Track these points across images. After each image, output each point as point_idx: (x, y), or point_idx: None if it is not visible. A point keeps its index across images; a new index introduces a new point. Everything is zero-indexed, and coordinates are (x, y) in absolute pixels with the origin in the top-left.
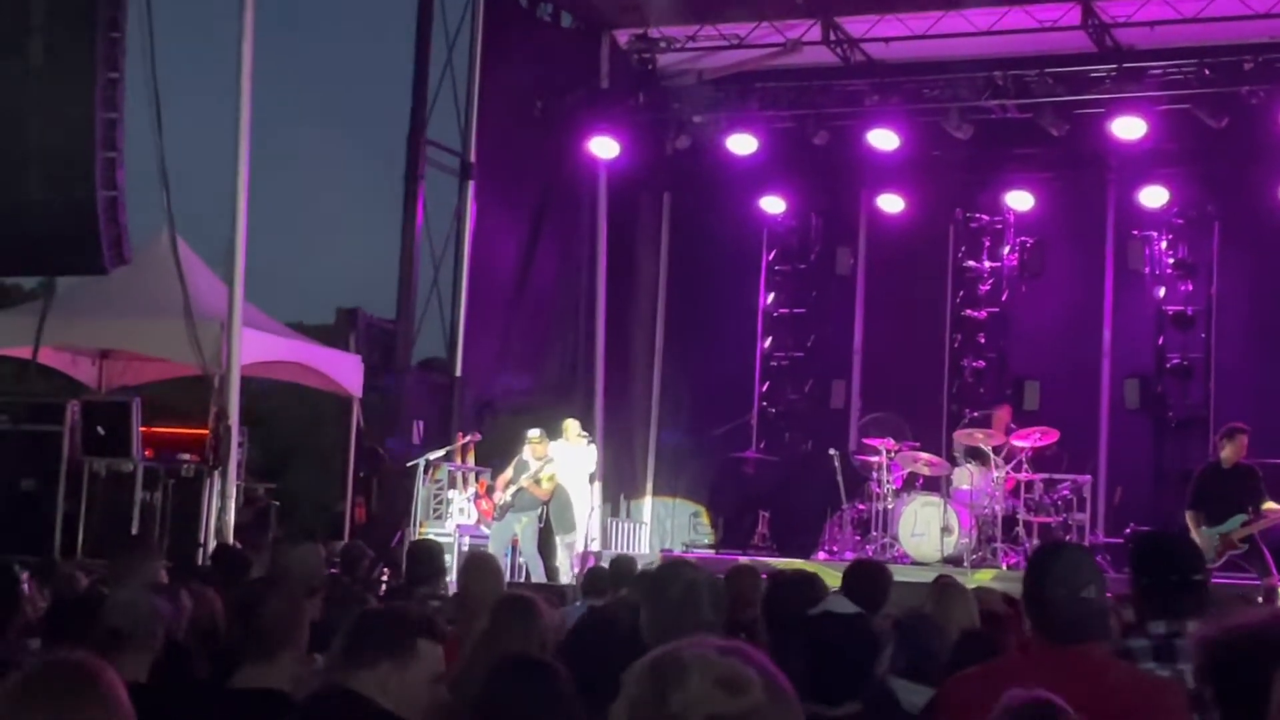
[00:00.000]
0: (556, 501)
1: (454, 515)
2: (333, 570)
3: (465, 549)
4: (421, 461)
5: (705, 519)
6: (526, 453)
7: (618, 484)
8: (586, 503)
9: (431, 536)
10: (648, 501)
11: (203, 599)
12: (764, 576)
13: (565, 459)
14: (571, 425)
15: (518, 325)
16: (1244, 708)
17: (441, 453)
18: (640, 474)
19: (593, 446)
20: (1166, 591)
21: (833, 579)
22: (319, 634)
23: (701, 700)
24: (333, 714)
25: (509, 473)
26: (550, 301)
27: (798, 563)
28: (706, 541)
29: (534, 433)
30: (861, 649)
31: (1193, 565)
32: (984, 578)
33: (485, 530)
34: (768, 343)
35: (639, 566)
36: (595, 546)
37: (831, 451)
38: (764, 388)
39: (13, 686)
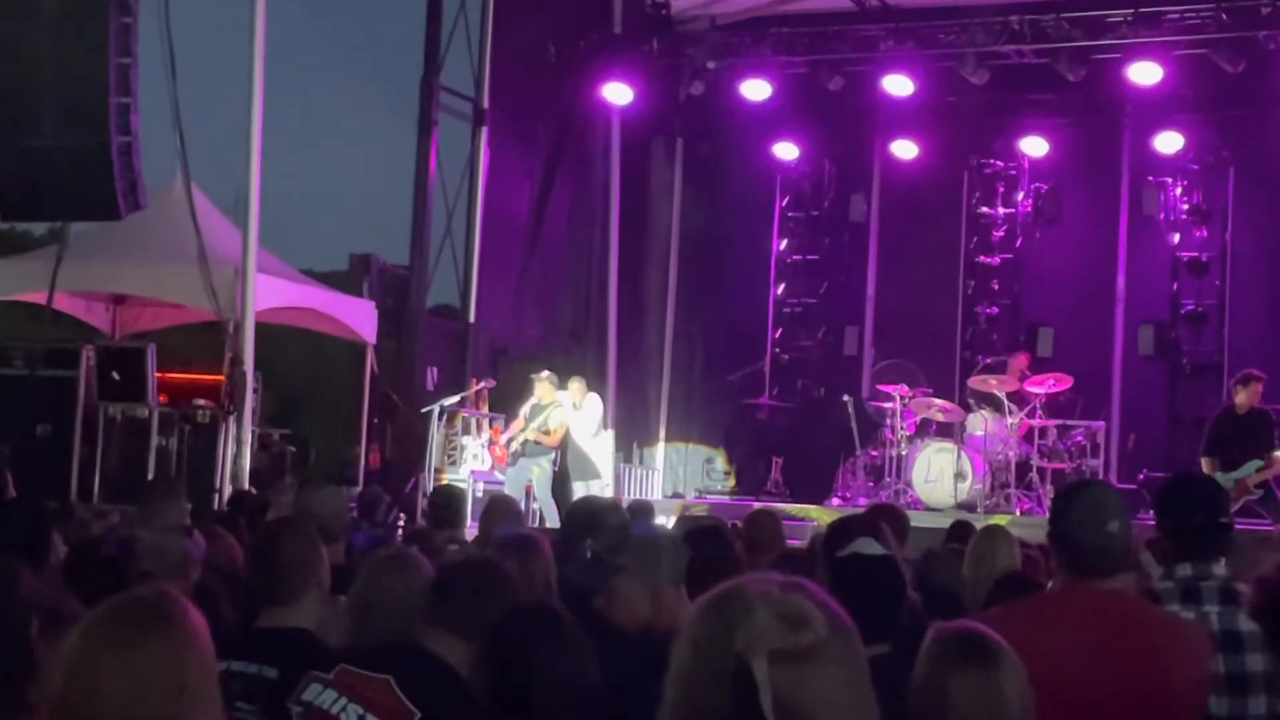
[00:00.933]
0: (573, 451)
1: (468, 461)
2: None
3: (480, 495)
4: (436, 408)
5: (722, 462)
6: (537, 395)
7: (630, 430)
8: (605, 450)
9: (449, 483)
10: (660, 448)
11: (224, 542)
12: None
13: (573, 415)
14: (576, 385)
15: (531, 272)
16: None
17: (455, 399)
18: (653, 420)
19: (596, 400)
20: (1192, 534)
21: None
22: (340, 578)
23: (765, 635)
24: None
25: (524, 413)
26: (563, 248)
27: (811, 509)
28: (719, 488)
29: (543, 374)
30: (889, 590)
31: (1219, 508)
32: (998, 524)
33: (500, 476)
34: (781, 289)
35: (654, 512)
36: (608, 493)
37: (845, 398)
38: (777, 334)
39: (90, 625)
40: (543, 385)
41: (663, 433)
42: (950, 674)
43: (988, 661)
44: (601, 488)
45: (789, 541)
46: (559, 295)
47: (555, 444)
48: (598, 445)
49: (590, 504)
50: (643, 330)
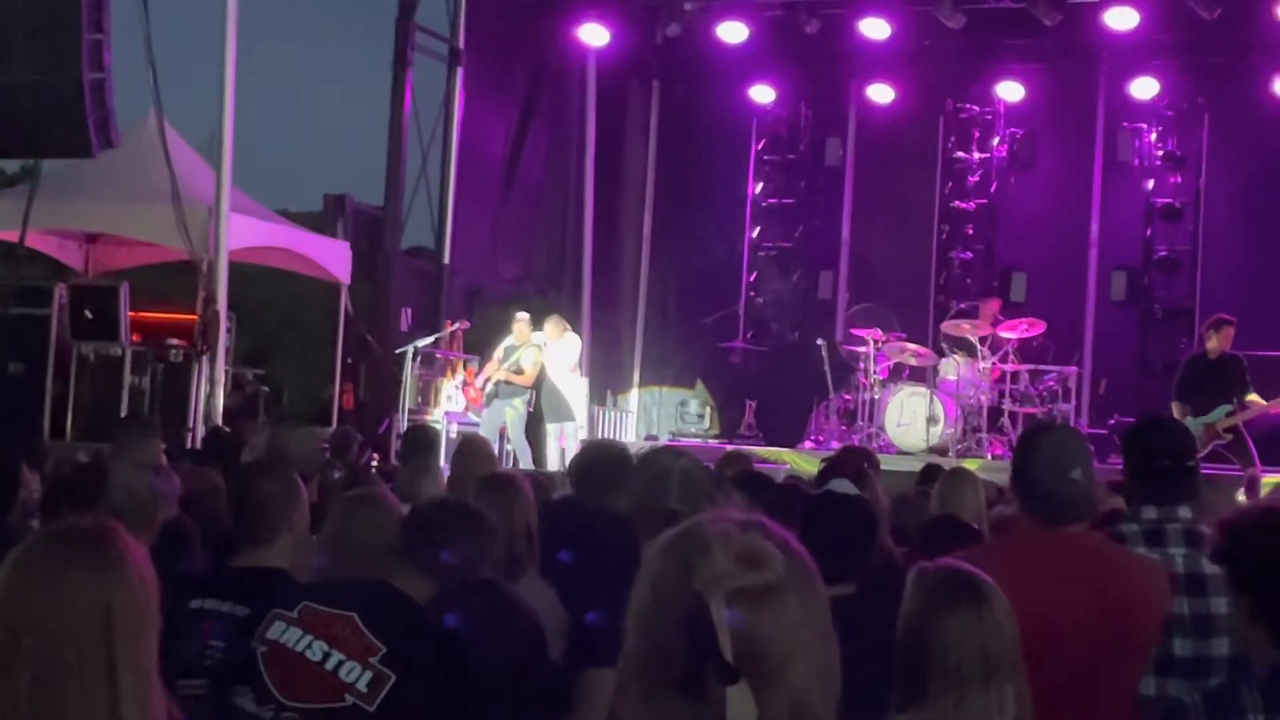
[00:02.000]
0: (547, 391)
1: (442, 402)
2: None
3: (454, 435)
4: (410, 349)
5: (697, 405)
6: (512, 336)
7: (604, 374)
8: (579, 392)
9: (424, 422)
10: (634, 392)
11: (204, 480)
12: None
13: (549, 353)
14: (554, 322)
15: (506, 213)
16: (1255, 584)
17: (430, 340)
18: (627, 364)
19: (574, 338)
20: (1158, 476)
21: (815, 468)
22: (313, 517)
23: (724, 575)
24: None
25: (498, 353)
26: (539, 189)
27: (785, 453)
28: (693, 430)
29: (520, 316)
30: (858, 530)
31: (1185, 451)
32: (970, 467)
33: (474, 418)
34: (756, 233)
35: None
36: (583, 435)
37: (819, 342)
38: (752, 277)
39: (23, 550)
40: (518, 326)
41: (636, 376)
42: (940, 613)
43: (978, 598)
44: (575, 430)
45: None
46: (534, 237)
47: (529, 384)
48: (572, 385)
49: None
50: (618, 273)
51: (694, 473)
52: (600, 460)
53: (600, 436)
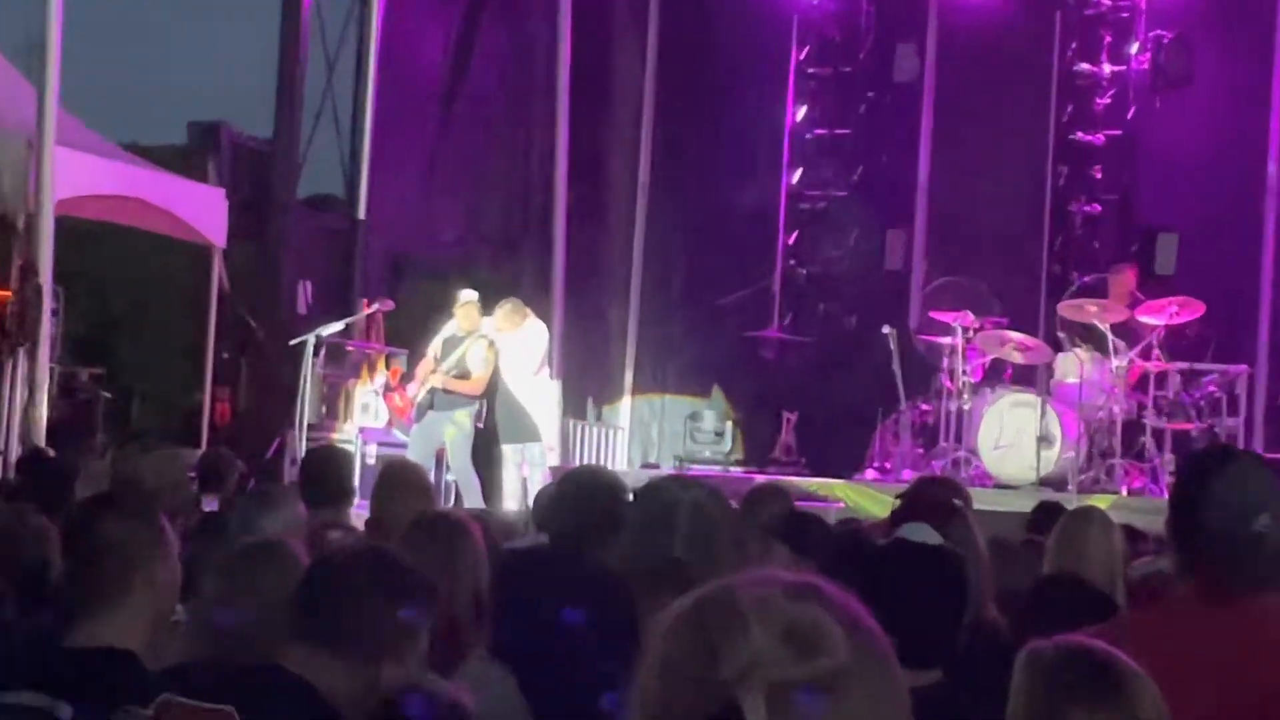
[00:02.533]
0: (504, 400)
1: (356, 414)
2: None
3: (373, 460)
4: (310, 339)
5: (720, 420)
6: (454, 324)
7: (584, 376)
8: (548, 402)
9: (331, 442)
10: (625, 402)
11: (12, 522)
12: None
13: (506, 347)
14: (507, 311)
15: (446, 151)
16: None
17: (339, 326)
18: (616, 363)
19: (539, 326)
20: None
21: (883, 508)
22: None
23: (764, 661)
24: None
25: (435, 349)
26: (492, 119)
27: (838, 486)
28: (708, 454)
29: (466, 295)
30: (947, 595)
31: None
32: (1100, 506)
33: (401, 436)
34: (796, 177)
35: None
36: (553, 461)
37: (886, 330)
38: (791, 240)
39: None
40: (463, 310)
41: (629, 379)
42: (1063, 710)
43: (1115, 690)
44: (542, 454)
45: None
46: (486, 185)
47: (477, 392)
48: (538, 392)
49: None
50: (603, 235)
51: (712, 511)
52: (580, 495)
53: (579, 463)
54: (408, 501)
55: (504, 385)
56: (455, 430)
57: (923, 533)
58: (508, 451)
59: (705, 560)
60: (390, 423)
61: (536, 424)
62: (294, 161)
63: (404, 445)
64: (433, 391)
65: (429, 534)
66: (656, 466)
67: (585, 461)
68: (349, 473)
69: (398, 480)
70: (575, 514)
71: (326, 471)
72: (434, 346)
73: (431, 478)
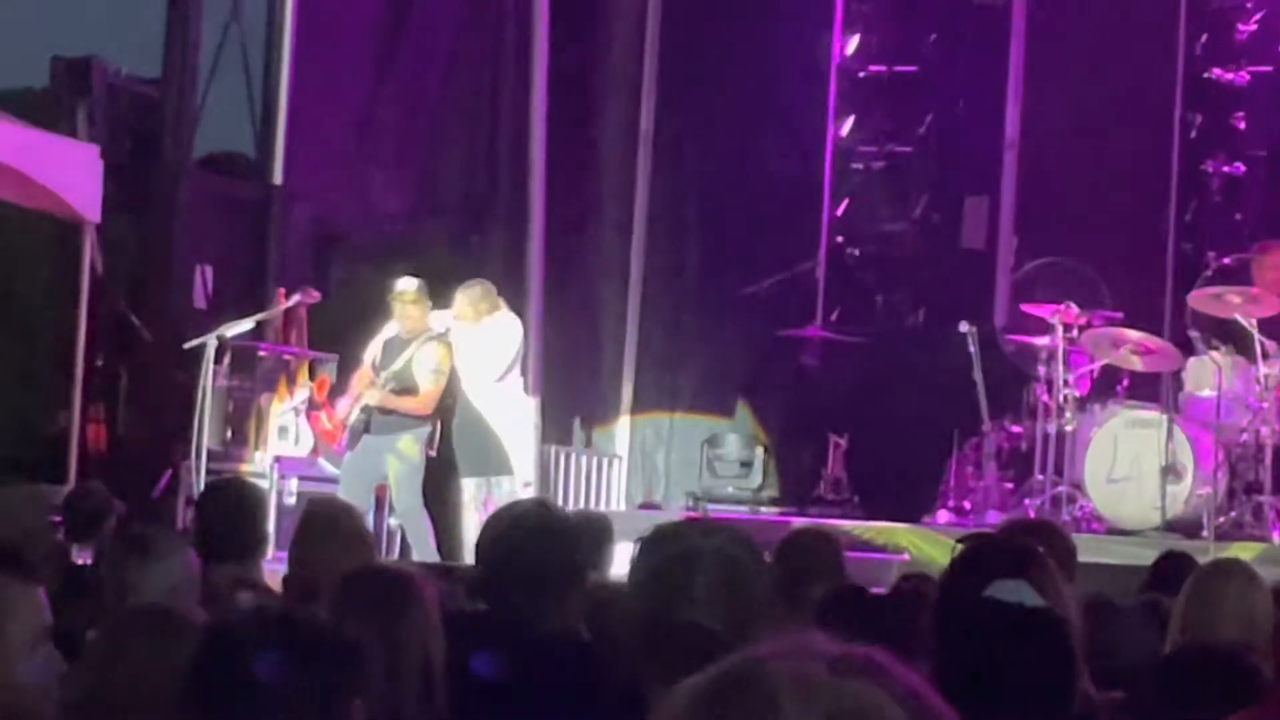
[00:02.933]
0: (463, 421)
1: (271, 440)
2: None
3: (293, 499)
4: (210, 341)
5: (747, 446)
6: (394, 325)
7: (569, 392)
8: (522, 422)
9: (238, 475)
10: (623, 423)
11: None
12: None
13: (466, 350)
14: (473, 296)
15: (389, 97)
16: None
17: (248, 325)
18: (611, 372)
19: (511, 320)
20: None
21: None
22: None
23: None
24: None
25: (373, 354)
26: (449, 57)
27: (900, 530)
28: (732, 490)
29: (405, 286)
30: (1047, 668)
31: None
32: (1244, 557)
33: (330, 468)
34: (846, 127)
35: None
36: (528, 495)
37: (964, 328)
38: (839, 211)
39: None
40: (403, 305)
41: (627, 392)
42: None
43: None
44: (513, 490)
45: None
46: (441, 141)
47: (426, 410)
48: (508, 409)
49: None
50: (593, 205)
51: (743, 563)
52: (544, 534)
53: (563, 502)
54: (338, 553)
55: (464, 400)
56: (399, 462)
57: (1014, 591)
58: (469, 487)
59: (731, 626)
60: (316, 450)
61: (507, 451)
62: (189, 110)
63: (334, 480)
64: (369, 411)
65: (365, 595)
66: (657, 508)
67: (573, 500)
68: (261, 515)
69: (325, 526)
70: (513, 567)
71: (231, 514)
72: (372, 351)
73: (369, 522)
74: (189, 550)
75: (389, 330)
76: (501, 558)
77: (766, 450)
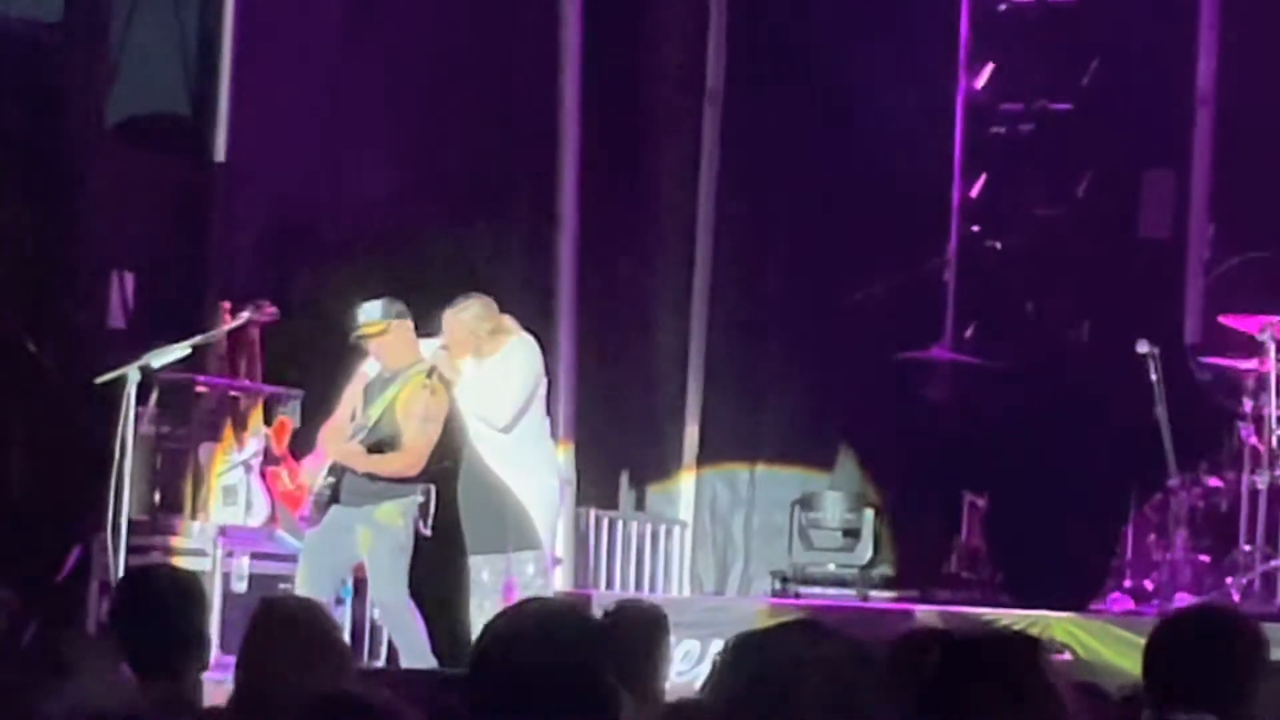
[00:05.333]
0: (469, 480)
1: (214, 505)
2: None
3: (243, 585)
4: (132, 373)
5: (852, 509)
6: (368, 361)
7: (613, 441)
8: (547, 479)
9: (172, 561)
10: (687, 479)
11: None
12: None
13: (470, 387)
14: (467, 318)
15: (368, 50)
16: None
17: (182, 350)
18: (669, 414)
19: (523, 344)
20: None
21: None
22: None
23: None
24: None
25: (353, 400)
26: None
27: (1057, 621)
28: (833, 568)
29: (367, 315)
30: None
31: None
32: None
33: (293, 541)
34: (984, 78)
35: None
36: (561, 582)
37: (1143, 348)
38: (974, 191)
39: None
40: (375, 340)
41: (691, 439)
42: None
43: None
44: (540, 568)
45: None
46: (439, 108)
47: (413, 471)
48: (527, 461)
49: None
50: (643, 189)
51: (856, 679)
52: (548, 642)
53: (604, 587)
54: (300, 668)
55: (471, 454)
56: (376, 537)
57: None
58: (482, 569)
59: None
60: (274, 519)
61: (531, 518)
62: (101, 61)
63: (296, 558)
64: (338, 473)
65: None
66: (712, 594)
67: (619, 582)
68: (199, 612)
69: (283, 629)
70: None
71: (159, 612)
72: (351, 396)
73: (343, 619)
74: (118, 663)
75: (372, 368)
76: (495, 673)
77: (878, 514)
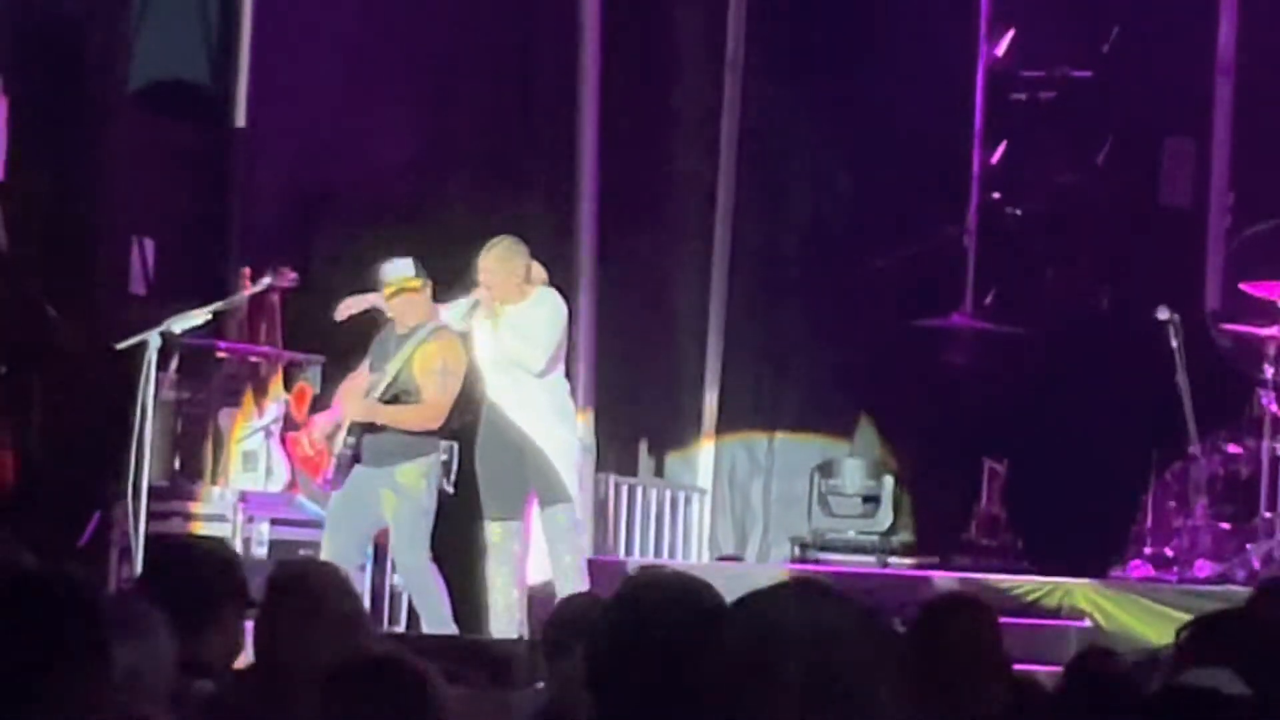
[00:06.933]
0: (490, 437)
1: (234, 470)
2: None
3: (264, 549)
4: (152, 338)
5: (872, 476)
6: (390, 325)
7: (632, 409)
8: (568, 440)
9: (200, 528)
10: (706, 447)
11: None
12: None
13: (492, 337)
14: (502, 254)
15: (390, 16)
16: None
17: (202, 316)
18: (688, 381)
19: (554, 294)
20: None
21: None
22: None
23: None
24: None
25: (369, 362)
26: None
27: (1079, 588)
28: (853, 534)
29: (401, 271)
30: None
31: None
32: None
33: (313, 508)
34: (1004, 44)
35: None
36: (584, 545)
37: (1163, 314)
38: (994, 159)
39: None
40: (407, 295)
41: (710, 405)
42: None
43: None
44: (571, 522)
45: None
46: (459, 75)
47: (433, 424)
48: (553, 409)
49: None
50: (662, 155)
51: (856, 646)
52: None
53: (624, 554)
54: (317, 633)
55: (491, 409)
56: (399, 500)
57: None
58: (497, 533)
59: None
60: (294, 484)
61: (558, 472)
62: (121, 27)
63: (319, 524)
64: (356, 432)
65: (358, 689)
66: (738, 559)
67: (639, 550)
68: (235, 579)
69: (301, 595)
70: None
71: (191, 577)
72: (369, 359)
73: (364, 585)
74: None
75: (385, 330)
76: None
77: (898, 481)
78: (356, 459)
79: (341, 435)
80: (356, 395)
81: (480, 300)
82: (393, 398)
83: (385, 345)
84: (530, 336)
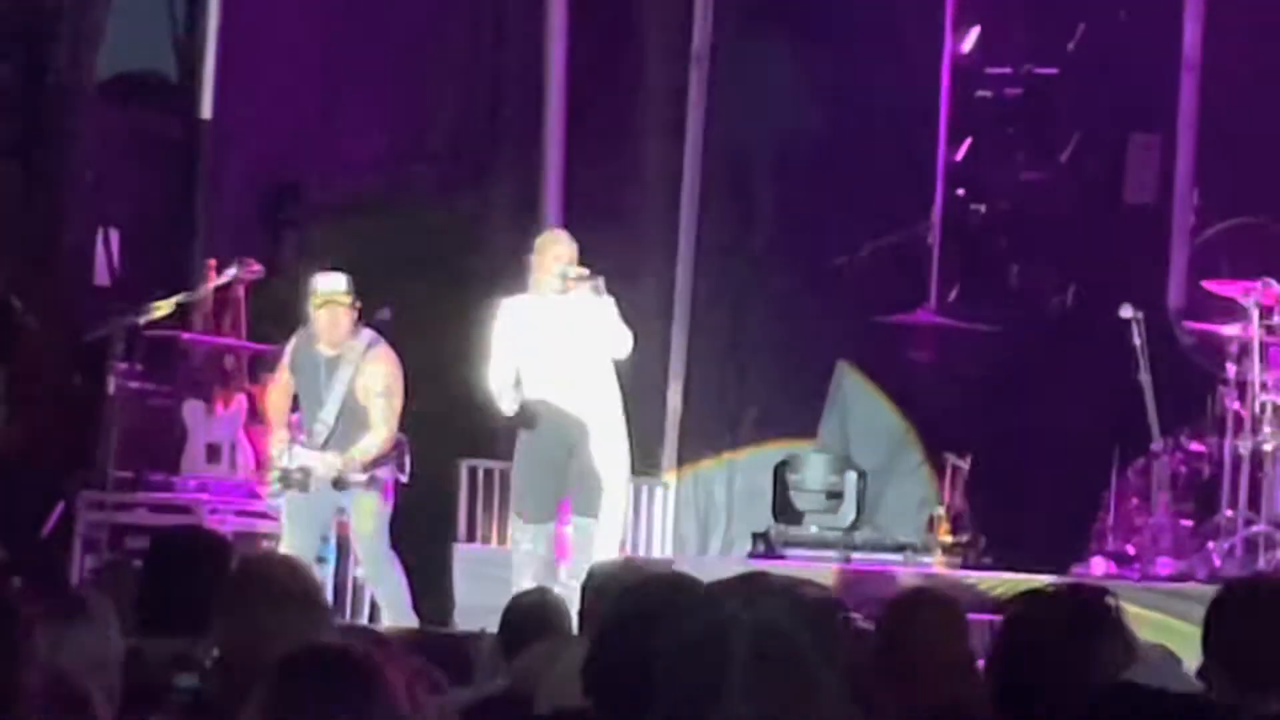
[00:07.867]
0: (539, 436)
1: (195, 459)
2: None
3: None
4: (117, 329)
5: (833, 471)
6: (305, 333)
7: None
8: (609, 434)
9: (164, 519)
10: (669, 441)
11: None
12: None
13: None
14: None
15: (357, 7)
16: None
17: (166, 308)
18: (653, 374)
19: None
20: None
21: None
22: None
23: None
24: None
25: (284, 368)
26: None
27: (1044, 585)
28: (815, 530)
29: (334, 284)
30: None
31: None
32: None
33: (273, 501)
34: (969, 41)
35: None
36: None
37: (1127, 312)
38: (959, 155)
39: None
40: (340, 311)
41: (675, 401)
42: None
43: None
44: (606, 535)
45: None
46: (427, 66)
47: (391, 443)
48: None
49: None
50: (626, 149)
51: (802, 644)
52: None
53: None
54: (279, 622)
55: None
56: (359, 493)
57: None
58: (527, 534)
59: None
60: (258, 476)
61: (601, 481)
62: (88, 19)
63: (274, 518)
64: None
65: (312, 683)
66: (697, 554)
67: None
68: (220, 567)
69: (261, 586)
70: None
71: (169, 570)
72: (285, 363)
73: (326, 573)
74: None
75: (302, 339)
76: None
77: (861, 476)
78: (305, 490)
79: (287, 455)
80: (283, 408)
81: (600, 281)
82: (344, 431)
83: (311, 360)
84: (612, 319)
